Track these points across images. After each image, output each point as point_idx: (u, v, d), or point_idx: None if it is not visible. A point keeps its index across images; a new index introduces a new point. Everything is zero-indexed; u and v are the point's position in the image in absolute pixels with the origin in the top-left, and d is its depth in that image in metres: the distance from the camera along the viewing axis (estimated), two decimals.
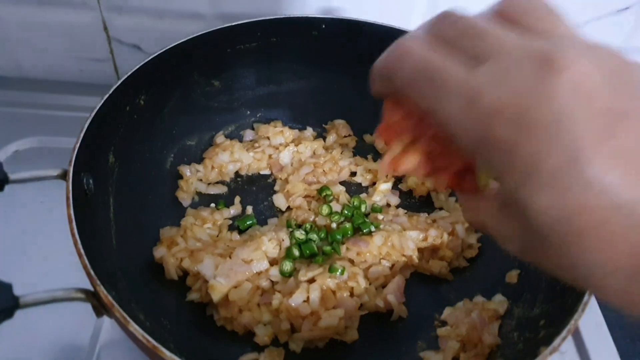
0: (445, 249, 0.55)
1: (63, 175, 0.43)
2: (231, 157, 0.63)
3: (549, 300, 0.45)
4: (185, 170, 0.60)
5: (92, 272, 0.37)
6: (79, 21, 0.69)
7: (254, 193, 0.63)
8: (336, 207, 0.59)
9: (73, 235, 0.39)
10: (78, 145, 0.44)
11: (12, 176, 0.41)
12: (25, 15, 0.68)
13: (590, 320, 0.58)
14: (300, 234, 0.54)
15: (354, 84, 0.68)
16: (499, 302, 0.49)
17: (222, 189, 0.62)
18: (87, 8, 0.67)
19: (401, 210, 0.59)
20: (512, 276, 0.52)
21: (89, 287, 0.38)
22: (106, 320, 0.52)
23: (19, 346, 0.50)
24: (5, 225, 0.59)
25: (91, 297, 0.38)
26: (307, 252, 0.53)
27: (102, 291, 0.37)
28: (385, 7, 0.68)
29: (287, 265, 0.51)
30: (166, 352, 0.34)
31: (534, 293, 0.48)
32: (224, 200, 0.61)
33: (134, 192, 0.54)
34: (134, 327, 0.36)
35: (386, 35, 0.63)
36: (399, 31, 0.62)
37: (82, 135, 0.45)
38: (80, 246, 0.38)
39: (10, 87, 0.73)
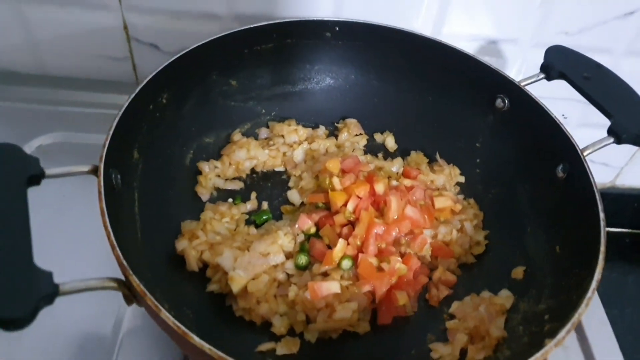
0: (454, 245, 0.57)
1: (94, 171, 0.45)
2: (247, 154, 0.65)
3: (554, 296, 0.47)
4: (204, 167, 0.63)
5: (124, 262, 0.39)
6: (100, 21, 0.71)
7: (269, 189, 0.65)
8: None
9: (106, 227, 0.41)
10: (108, 142, 0.46)
11: (48, 171, 0.43)
12: (49, 16, 0.70)
13: (594, 317, 0.60)
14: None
15: (365, 83, 0.70)
16: (505, 297, 0.51)
17: (238, 185, 0.64)
18: (108, 8, 0.69)
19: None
20: (518, 272, 0.54)
21: (118, 276, 0.40)
22: (128, 309, 0.55)
23: (47, 336, 0.52)
24: (38, 218, 0.61)
25: (123, 286, 0.40)
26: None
27: (135, 280, 0.39)
28: (397, 10, 0.70)
29: (303, 259, 0.54)
30: (195, 338, 0.37)
31: (539, 289, 0.50)
32: (240, 196, 0.63)
33: (156, 187, 0.56)
34: (165, 315, 0.38)
35: (397, 37, 0.65)
36: (409, 34, 0.64)
37: (111, 132, 0.47)
38: (113, 238, 0.40)
39: (33, 85, 0.75)
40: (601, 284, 0.74)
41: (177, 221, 0.57)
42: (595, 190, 0.48)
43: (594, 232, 0.46)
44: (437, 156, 0.68)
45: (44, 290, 0.36)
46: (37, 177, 0.42)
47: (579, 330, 0.58)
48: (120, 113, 0.49)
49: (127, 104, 0.50)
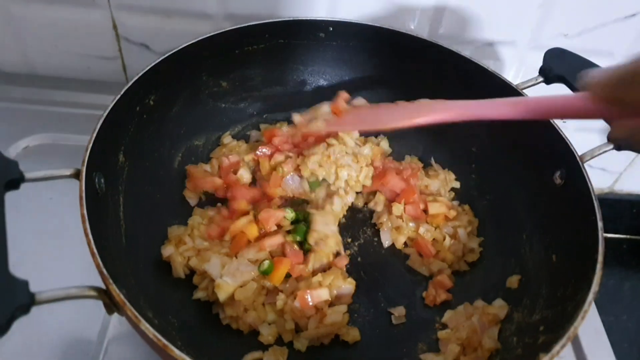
0: (446, 251, 0.56)
1: (76, 175, 0.43)
2: (237, 158, 0.63)
3: (549, 307, 0.46)
4: (192, 169, 0.61)
5: (104, 271, 0.38)
6: (89, 20, 0.69)
7: None
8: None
9: (87, 234, 0.40)
10: (91, 145, 0.45)
11: (27, 175, 0.42)
12: (36, 14, 0.69)
13: (589, 326, 0.59)
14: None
15: (359, 86, 0.69)
16: (499, 307, 0.50)
17: None
18: (97, 7, 0.68)
19: None
20: (513, 281, 0.53)
21: (100, 284, 0.39)
22: (114, 316, 0.53)
23: (30, 342, 0.51)
24: (18, 223, 0.59)
25: (103, 295, 0.39)
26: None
27: (114, 289, 0.38)
28: (393, 10, 0.69)
29: (265, 264, 0.51)
30: (176, 351, 0.36)
31: (534, 299, 0.49)
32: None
33: (143, 191, 0.54)
34: (145, 326, 0.36)
35: (392, 38, 0.63)
36: (404, 35, 0.63)
37: (94, 135, 0.46)
38: (93, 245, 0.39)
39: (21, 84, 0.74)
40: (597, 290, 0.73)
41: (164, 226, 0.56)
42: (594, 198, 0.47)
43: (591, 240, 0.44)
44: (432, 161, 0.66)
45: (19, 300, 0.34)
46: (15, 181, 0.41)
47: (575, 339, 0.57)
48: (105, 115, 0.48)
49: (111, 105, 0.48)
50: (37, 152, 0.67)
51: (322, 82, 0.69)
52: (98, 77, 0.75)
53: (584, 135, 0.64)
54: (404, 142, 0.68)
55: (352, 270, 0.56)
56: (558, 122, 0.55)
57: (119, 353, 0.52)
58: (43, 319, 0.51)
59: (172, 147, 0.61)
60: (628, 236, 0.91)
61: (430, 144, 0.67)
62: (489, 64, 0.61)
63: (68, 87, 0.74)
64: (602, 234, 0.44)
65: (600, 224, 0.45)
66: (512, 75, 0.75)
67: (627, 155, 0.85)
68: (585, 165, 0.50)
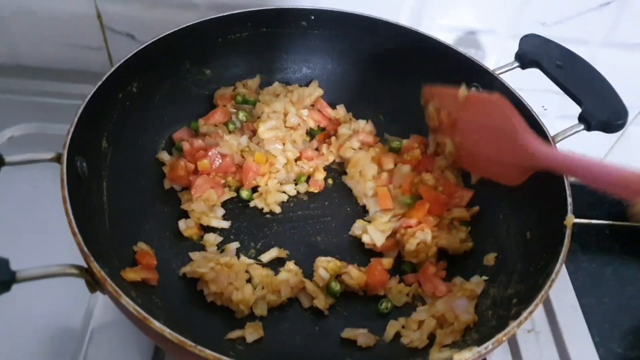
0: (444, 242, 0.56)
1: (57, 159, 0.44)
2: None
3: (522, 281, 0.48)
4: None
5: (85, 249, 0.39)
6: (73, 10, 0.69)
7: None
8: None
9: (67, 215, 0.41)
10: (72, 129, 0.46)
11: (7, 158, 0.42)
12: (21, 4, 0.69)
13: (565, 303, 0.61)
14: None
15: (342, 73, 0.70)
16: (476, 283, 0.52)
17: None
18: None
19: None
20: (490, 259, 0.55)
21: (83, 264, 0.40)
22: (98, 301, 0.54)
23: (13, 328, 0.52)
24: (1, 206, 0.60)
25: (85, 272, 0.40)
26: None
27: (95, 267, 0.38)
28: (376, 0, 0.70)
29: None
30: (155, 323, 0.37)
31: (509, 274, 0.50)
32: None
33: (126, 177, 0.55)
34: (126, 300, 0.37)
35: (374, 26, 0.64)
36: (386, 23, 0.64)
37: (76, 119, 0.46)
38: (74, 225, 0.40)
39: (5, 75, 0.74)
40: (580, 274, 0.74)
41: (148, 211, 0.56)
42: (565, 176, 0.49)
43: (562, 217, 0.46)
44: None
45: (0, 277, 0.35)
46: None
47: (551, 315, 0.59)
48: (86, 101, 0.48)
49: (93, 92, 0.49)
50: (22, 142, 0.67)
51: (306, 70, 0.70)
52: (84, 68, 0.76)
53: (565, 122, 0.66)
54: (387, 127, 0.69)
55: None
56: (539, 109, 0.56)
57: (104, 337, 0.52)
58: (27, 305, 0.52)
59: (156, 134, 0.62)
60: (610, 222, 0.93)
61: (412, 129, 0.67)
62: (471, 52, 0.62)
63: (54, 78, 0.74)
64: (571, 209, 0.46)
65: (569, 200, 0.47)
66: (493, 63, 0.77)
67: (608, 141, 0.87)
68: (561, 147, 0.52)
